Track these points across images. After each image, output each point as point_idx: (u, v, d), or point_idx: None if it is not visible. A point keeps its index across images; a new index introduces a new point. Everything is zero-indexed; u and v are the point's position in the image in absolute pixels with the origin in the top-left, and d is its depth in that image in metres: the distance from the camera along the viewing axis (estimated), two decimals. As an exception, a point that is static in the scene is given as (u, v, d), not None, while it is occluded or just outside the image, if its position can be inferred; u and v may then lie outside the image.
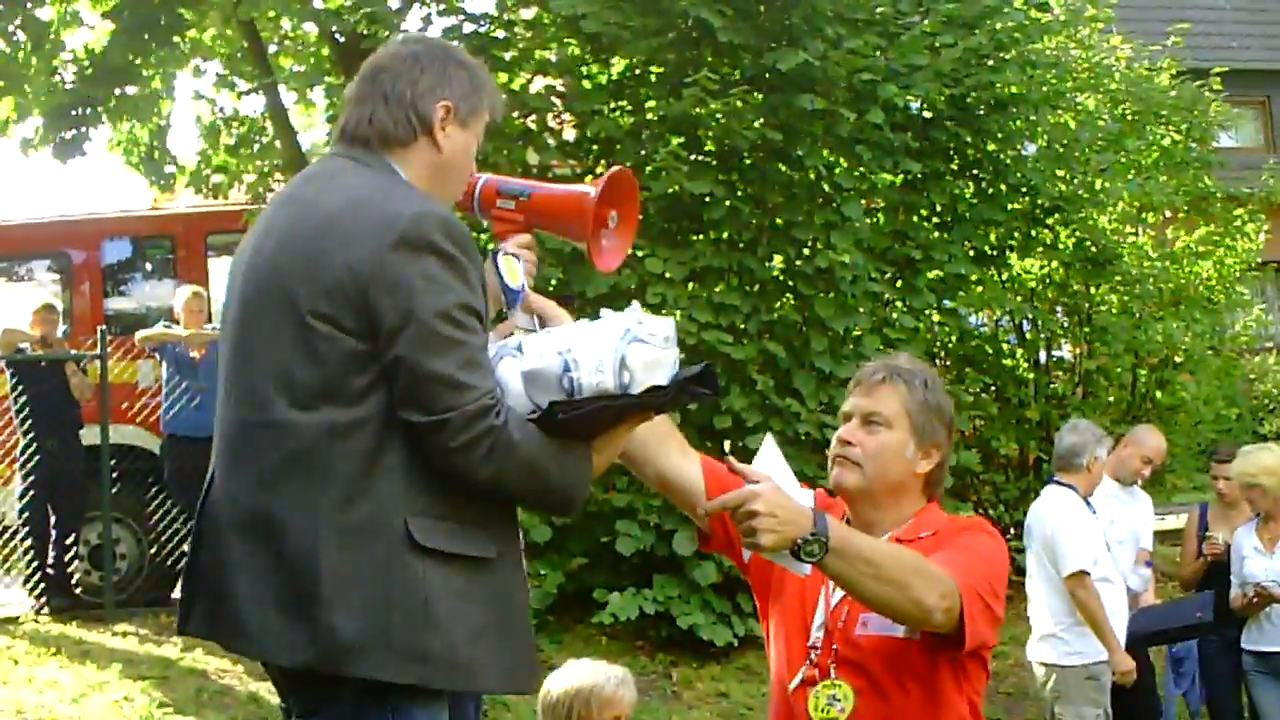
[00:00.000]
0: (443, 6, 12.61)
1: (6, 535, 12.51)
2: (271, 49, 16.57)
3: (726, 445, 11.67)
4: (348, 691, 3.29)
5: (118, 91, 16.21)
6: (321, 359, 3.29)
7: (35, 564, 12.36)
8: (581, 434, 3.37)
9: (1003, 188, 13.33)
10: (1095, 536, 8.21)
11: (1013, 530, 13.13)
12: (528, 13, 12.55)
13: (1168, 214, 15.26)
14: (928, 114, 12.84)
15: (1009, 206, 13.35)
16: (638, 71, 12.31)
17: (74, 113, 16.04)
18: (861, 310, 11.96)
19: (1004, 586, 3.84)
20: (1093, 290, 14.27)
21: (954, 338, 13.86)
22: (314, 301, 3.31)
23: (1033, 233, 13.68)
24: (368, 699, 3.28)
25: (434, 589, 3.24)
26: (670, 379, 3.36)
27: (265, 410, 3.35)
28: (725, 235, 12.03)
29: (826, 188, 12.06)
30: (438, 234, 3.30)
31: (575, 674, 5.24)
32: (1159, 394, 14.50)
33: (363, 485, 3.25)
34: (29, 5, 15.80)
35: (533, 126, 12.22)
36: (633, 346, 3.32)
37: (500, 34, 12.37)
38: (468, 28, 12.46)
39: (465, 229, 3.37)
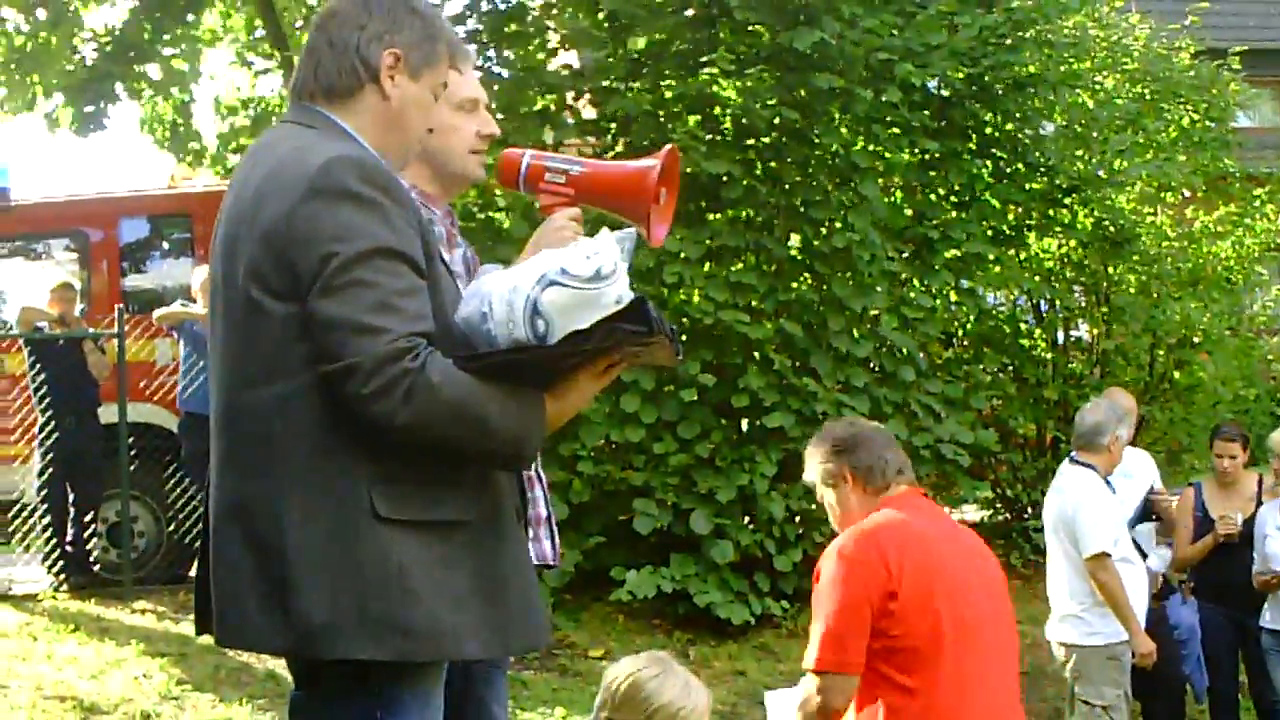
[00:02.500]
0: (462, -17, 12.64)
1: (25, 513, 12.54)
2: (299, 24, 16.55)
3: (744, 424, 11.68)
4: (330, 673, 3.25)
5: (136, 69, 16.25)
6: (264, 332, 3.20)
7: (54, 542, 12.39)
8: (528, 381, 3.20)
9: (1021, 167, 13.30)
10: (1116, 517, 8.19)
11: (1030, 510, 13.13)
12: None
13: (1186, 194, 15.20)
14: (945, 93, 12.81)
15: (1027, 186, 13.32)
16: (656, 50, 12.28)
17: (94, 88, 16.06)
18: (879, 289, 11.95)
19: (836, 603, 4.85)
20: (1111, 270, 14.24)
21: (971, 317, 13.85)
22: (249, 274, 3.22)
23: (1051, 212, 13.63)
24: (351, 679, 3.22)
25: (407, 559, 3.13)
26: (598, 320, 3.11)
27: (228, 393, 3.30)
28: (742, 214, 12.01)
29: (844, 167, 12.03)
30: (351, 178, 3.17)
31: (665, 685, 4.59)
32: (1177, 374, 14.46)
33: (320, 459, 3.15)
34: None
35: (550, 105, 12.21)
36: (548, 291, 3.11)
37: (517, 10, 12.37)
38: (485, 5, 12.47)
39: (386, 170, 3.26)
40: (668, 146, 4.11)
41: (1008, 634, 5.13)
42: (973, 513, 14.57)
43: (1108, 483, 8.23)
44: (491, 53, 12.79)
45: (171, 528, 12.64)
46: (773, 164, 12.06)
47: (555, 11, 12.51)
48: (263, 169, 3.31)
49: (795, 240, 12.18)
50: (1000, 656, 5.03)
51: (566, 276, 3.11)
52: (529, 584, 3.40)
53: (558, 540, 4.61)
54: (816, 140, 11.97)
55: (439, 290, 3.28)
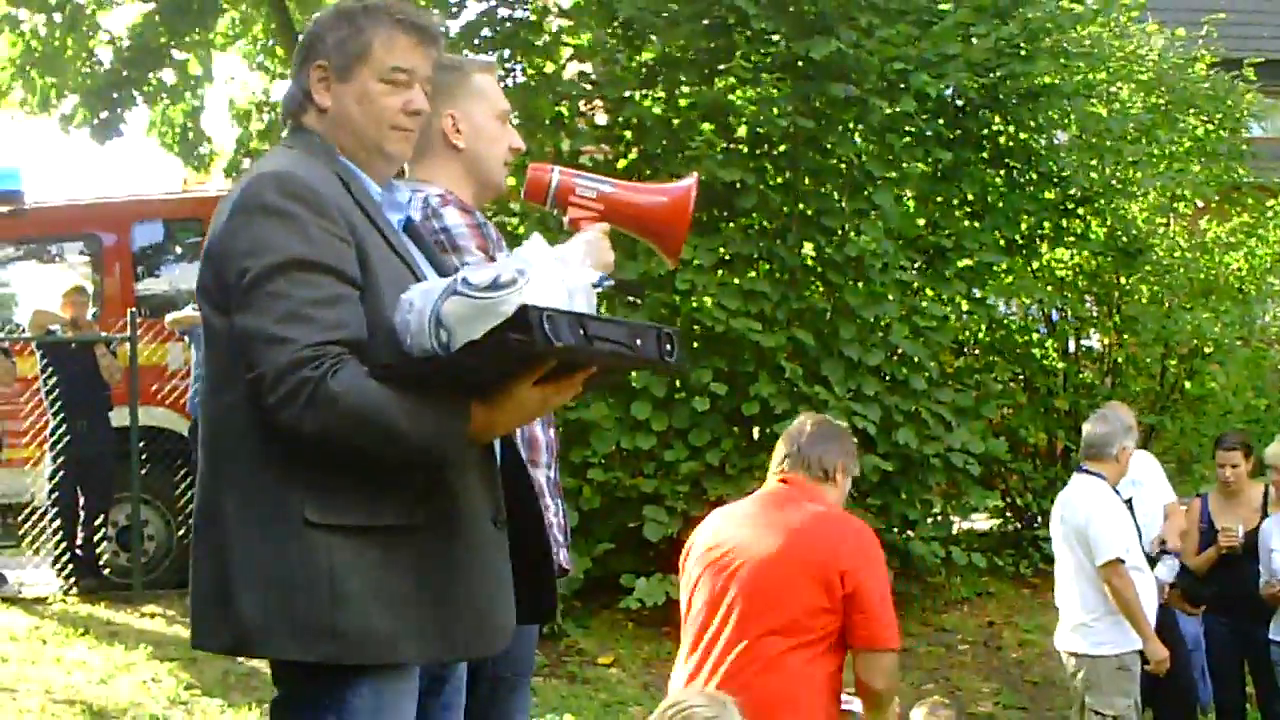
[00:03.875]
0: (477, -10, 12.65)
1: (36, 516, 12.55)
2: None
3: (755, 431, 11.68)
4: (282, 674, 3.35)
5: (150, 75, 16.29)
6: (216, 345, 3.33)
7: (64, 545, 12.41)
8: (444, 390, 3.17)
9: (1034, 177, 13.29)
10: (1128, 525, 8.19)
11: (1040, 519, 13.12)
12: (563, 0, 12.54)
13: (1199, 204, 15.19)
14: (960, 103, 12.80)
15: (1040, 196, 13.31)
16: (671, 58, 12.28)
17: (111, 94, 16.10)
18: (891, 298, 11.93)
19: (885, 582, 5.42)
20: (1123, 280, 14.22)
21: (983, 326, 13.85)
22: (200, 291, 3.38)
23: (1063, 222, 13.62)
24: (302, 680, 3.29)
25: (340, 563, 3.18)
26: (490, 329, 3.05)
27: (202, 405, 3.44)
28: (755, 223, 12.02)
29: (857, 176, 12.02)
30: (269, 192, 3.26)
31: None
32: (1188, 384, 14.45)
33: (258, 467, 3.23)
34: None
35: (564, 112, 12.21)
36: (449, 301, 3.12)
37: (533, 19, 12.38)
38: (502, 12, 12.47)
39: (307, 182, 3.30)
40: (693, 177, 4.24)
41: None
42: (983, 522, 14.56)
43: (1116, 492, 8.24)
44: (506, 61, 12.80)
45: (182, 532, 12.62)
46: (786, 173, 12.07)
47: (570, 20, 12.49)
48: (228, 193, 3.48)
49: (808, 249, 12.18)
50: None
51: (466, 286, 3.11)
52: (486, 587, 3.40)
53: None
54: (830, 149, 11.96)
55: (379, 296, 3.29)
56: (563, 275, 3.19)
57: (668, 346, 3.26)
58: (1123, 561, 7.92)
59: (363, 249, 3.32)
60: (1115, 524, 8.06)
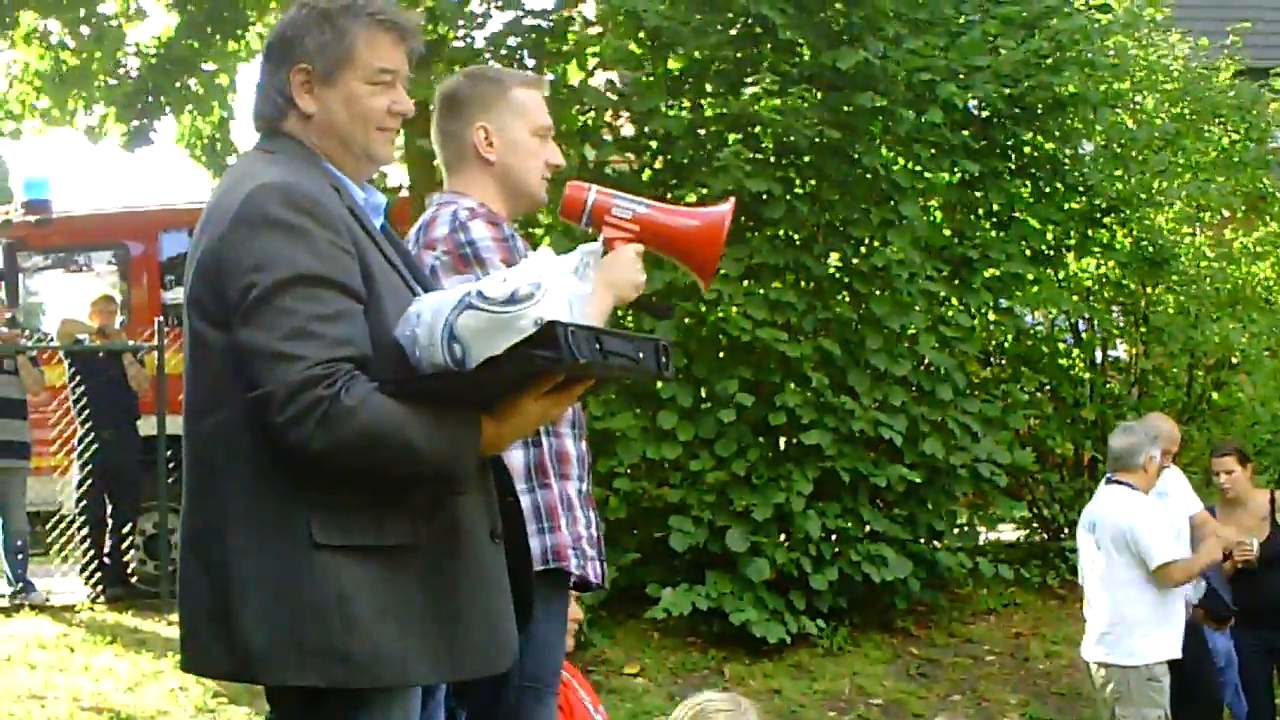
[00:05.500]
0: (501, 1, 12.65)
1: (64, 524, 12.60)
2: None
3: (781, 442, 11.68)
4: (282, 699, 3.30)
5: (178, 84, 16.35)
6: (207, 361, 3.26)
7: (92, 553, 12.47)
8: (455, 405, 3.17)
9: (1060, 187, 13.27)
10: (1171, 527, 8.35)
11: (1067, 531, 13.08)
12: (588, 9, 12.54)
13: (1225, 214, 15.14)
14: (986, 113, 12.80)
15: (1066, 206, 13.28)
16: (697, 68, 12.29)
17: (140, 104, 16.16)
18: (917, 309, 11.92)
19: None
20: (1149, 290, 14.19)
21: (1010, 337, 13.82)
22: (191, 304, 3.30)
23: (1090, 232, 13.60)
24: (304, 706, 3.24)
25: (348, 585, 3.14)
26: (512, 345, 3.04)
27: (186, 422, 3.34)
28: (782, 232, 12.01)
29: (884, 186, 12.01)
30: (274, 205, 3.19)
31: None
32: (1215, 395, 14.41)
33: (261, 487, 3.17)
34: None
35: (590, 122, 12.22)
36: (463, 315, 3.07)
37: (558, 29, 12.40)
38: (528, 22, 12.50)
39: (310, 194, 3.25)
40: (730, 202, 4.30)
41: None
42: (1009, 533, 14.54)
43: (1147, 499, 8.32)
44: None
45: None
46: (813, 182, 12.05)
47: (598, 30, 12.50)
48: (213, 199, 3.38)
49: (834, 259, 12.17)
50: None
51: (481, 300, 3.08)
52: (490, 604, 3.38)
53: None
54: (857, 159, 11.95)
55: (381, 309, 3.27)
56: (567, 287, 3.19)
57: (664, 359, 3.27)
58: (1176, 560, 8.12)
59: (365, 260, 3.28)
60: (1161, 526, 8.21)
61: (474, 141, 4.39)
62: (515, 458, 4.09)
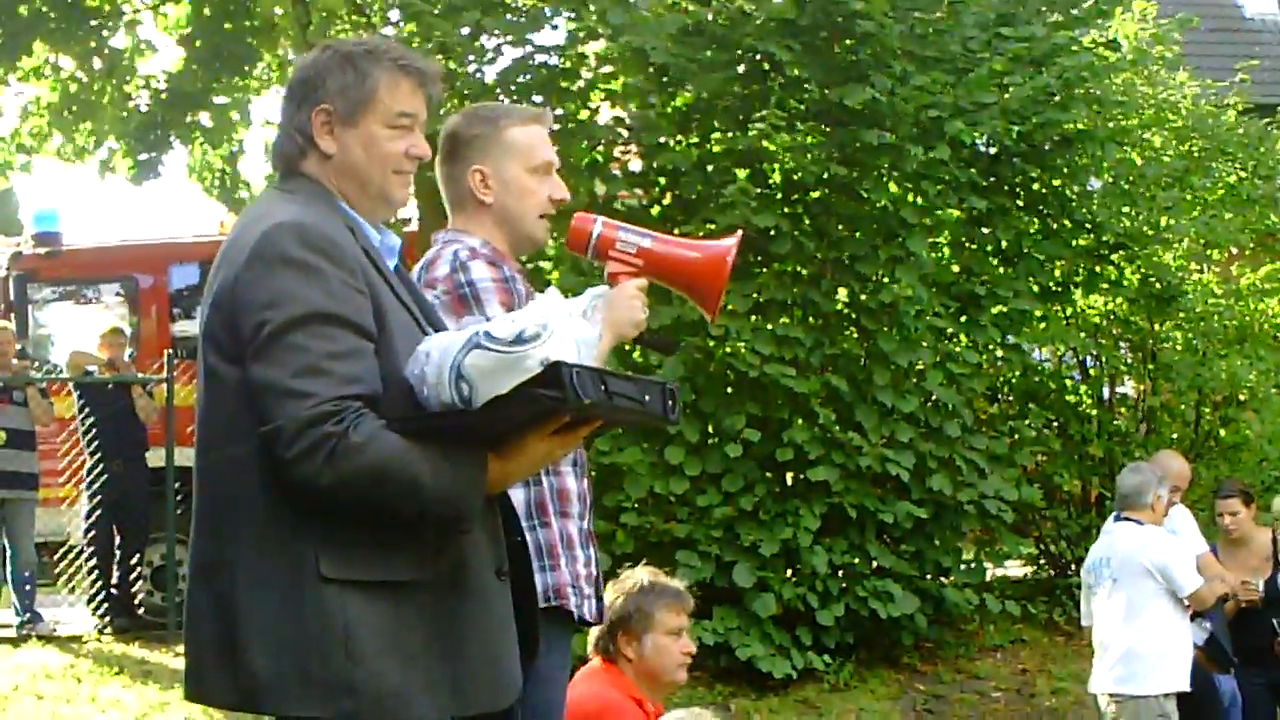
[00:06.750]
0: (512, 37, 12.69)
1: (72, 555, 12.62)
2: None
3: (788, 477, 11.68)
4: None
5: (189, 118, 16.41)
6: (220, 396, 3.29)
7: (99, 584, 12.48)
8: (462, 443, 3.19)
9: (1067, 224, 13.26)
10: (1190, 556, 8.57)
11: (1074, 567, 13.07)
12: (596, 45, 12.59)
13: (1233, 251, 15.16)
14: (994, 150, 12.82)
15: (1074, 242, 13.27)
16: (705, 104, 12.32)
17: (149, 137, 16.23)
18: (925, 345, 11.92)
19: None
20: (1157, 327, 14.20)
21: (1017, 373, 13.80)
22: (206, 339, 3.34)
23: (1097, 269, 13.60)
24: None
25: (354, 619, 3.15)
26: (518, 385, 3.06)
27: (198, 455, 3.37)
28: (790, 268, 12.03)
29: (892, 222, 12.02)
30: (290, 243, 3.22)
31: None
32: (1223, 432, 14.40)
33: (270, 520, 3.19)
34: (104, 33, 16.03)
35: (599, 157, 12.26)
36: (471, 355, 3.10)
37: (568, 66, 12.43)
38: (538, 59, 12.54)
39: (326, 234, 3.28)
40: (736, 236, 4.31)
41: None
42: (1016, 569, 14.52)
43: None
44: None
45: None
46: (820, 219, 12.07)
47: (606, 67, 12.53)
48: (230, 236, 3.42)
49: (842, 295, 12.18)
50: None
51: (489, 339, 3.10)
52: (495, 641, 3.41)
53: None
54: (865, 195, 11.98)
55: (392, 348, 3.29)
56: (573, 329, 3.21)
57: (670, 403, 3.29)
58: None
59: (377, 300, 3.31)
60: (1187, 556, 8.47)
61: (470, 186, 4.41)
62: (516, 495, 4.08)
